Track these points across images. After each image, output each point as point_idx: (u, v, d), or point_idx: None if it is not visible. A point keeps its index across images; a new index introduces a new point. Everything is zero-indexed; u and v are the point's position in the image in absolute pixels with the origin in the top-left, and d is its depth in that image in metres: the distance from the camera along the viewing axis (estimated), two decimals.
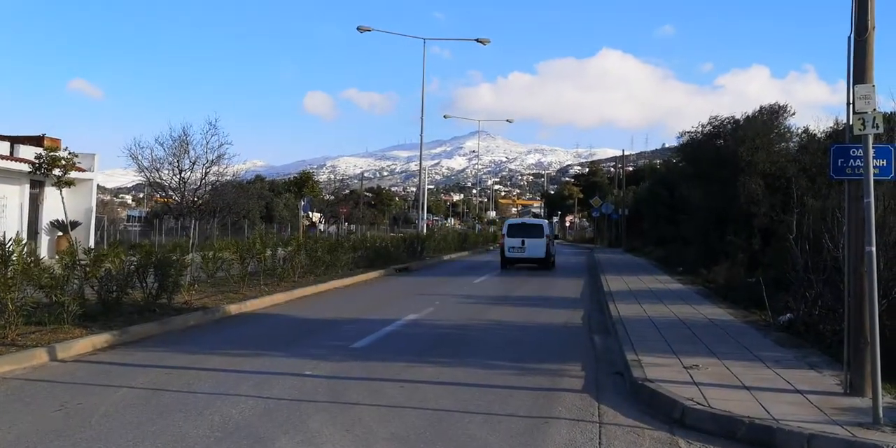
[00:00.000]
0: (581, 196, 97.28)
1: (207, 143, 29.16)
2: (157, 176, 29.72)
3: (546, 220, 35.54)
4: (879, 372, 6.17)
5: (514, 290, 19.67)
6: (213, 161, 29.57)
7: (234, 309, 13.43)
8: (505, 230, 29.03)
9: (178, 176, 28.95)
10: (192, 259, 15.28)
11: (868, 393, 6.48)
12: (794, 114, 23.49)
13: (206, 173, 29.73)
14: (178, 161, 28.87)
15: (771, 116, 23.22)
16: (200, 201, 29.17)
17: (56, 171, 21.86)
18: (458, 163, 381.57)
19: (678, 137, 28.01)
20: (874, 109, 6.43)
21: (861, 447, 5.42)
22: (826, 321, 9.82)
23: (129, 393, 7.20)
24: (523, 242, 28.05)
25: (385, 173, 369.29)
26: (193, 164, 29.03)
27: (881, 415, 5.95)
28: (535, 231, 28.48)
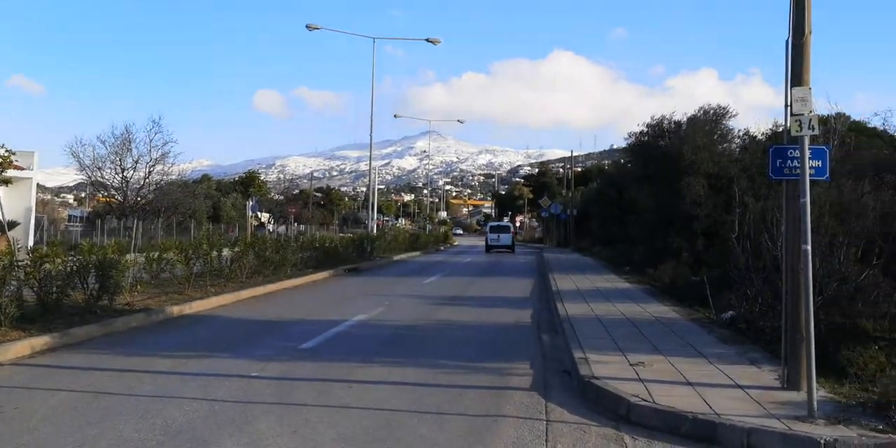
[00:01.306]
0: (531, 196, 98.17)
1: (151, 141, 28.69)
2: (100, 175, 29.08)
3: (510, 224, 57.03)
4: (814, 367, 6.36)
5: (464, 290, 19.75)
6: (157, 160, 29.07)
7: (178, 310, 13.22)
8: (487, 229, 50.68)
9: (121, 175, 28.41)
10: (136, 260, 15.00)
11: (804, 387, 6.68)
12: (735, 115, 24.06)
13: (150, 172, 29.19)
14: (120, 160, 28.33)
15: (713, 118, 23.73)
16: (144, 201, 28.64)
17: None
18: (408, 163, 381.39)
19: (625, 139, 28.48)
20: (811, 112, 6.64)
21: (796, 440, 5.60)
22: (766, 318, 10.09)
23: (69, 396, 7.04)
24: (499, 236, 47.74)
25: (335, 173, 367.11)
26: (136, 162, 28.50)
27: (815, 408, 6.15)
28: (505, 229, 49.66)
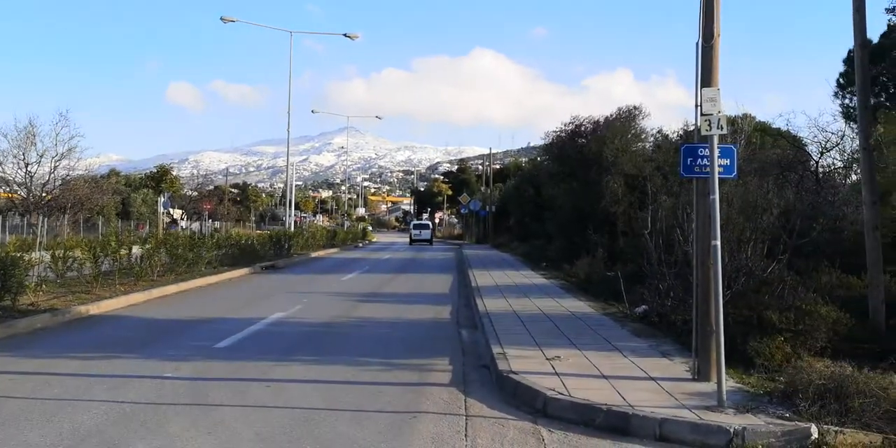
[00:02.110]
0: (450, 193, 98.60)
1: (57, 135, 27.49)
2: (0, 169, 27.67)
3: (429, 222, 68.98)
4: (723, 358, 6.60)
5: (383, 286, 19.69)
6: (63, 154, 27.89)
7: (86, 310, 12.74)
8: (411, 226, 61.38)
9: (24, 170, 27.13)
10: (40, 258, 14.37)
11: (713, 378, 6.93)
12: (648, 115, 24.74)
13: (56, 167, 27.97)
14: (23, 154, 27.05)
15: (627, 118, 24.34)
16: (49, 196, 27.44)
17: None
18: (326, 159, 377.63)
19: (542, 138, 28.92)
20: (719, 112, 6.88)
21: (706, 429, 5.80)
22: (677, 312, 10.41)
23: None
24: (420, 232, 57.56)
25: (251, 169, 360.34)
26: (41, 157, 27.27)
27: (725, 398, 6.38)
28: (425, 227, 60.04)
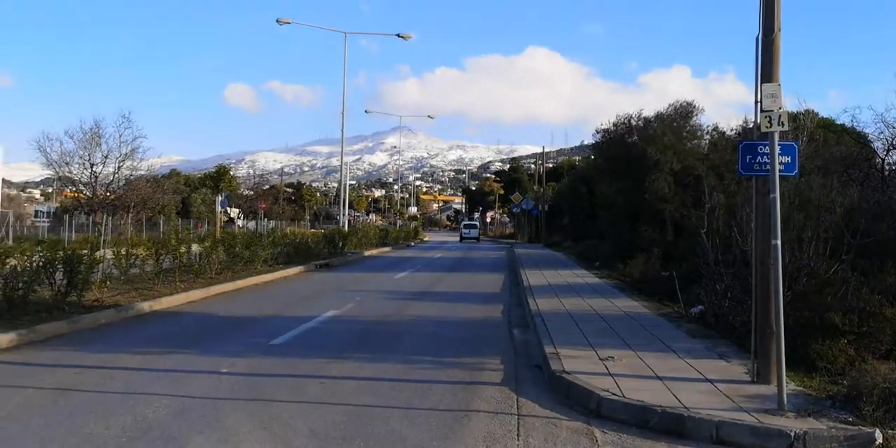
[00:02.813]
0: (502, 192, 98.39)
1: (121, 136, 28.16)
2: (67, 170, 28.52)
3: (477, 222, 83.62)
4: (784, 360, 6.43)
5: (434, 285, 19.72)
6: (126, 155, 28.58)
7: (147, 306, 13.03)
8: (462, 226, 74.34)
9: (90, 170, 27.89)
10: (104, 255, 14.76)
11: (773, 381, 6.75)
12: (702, 111, 24.27)
13: (119, 167, 28.71)
14: (89, 155, 27.80)
15: (679, 114, 23.91)
16: (113, 196, 28.17)
17: None
18: (379, 158, 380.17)
19: (594, 135, 28.63)
20: (780, 108, 6.69)
21: (766, 433, 5.64)
22: (735, 312, 10.18)
23: (35, 394, 6.89)
24: (469, 231, 67.24)
25: (306, 168, 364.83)
26: (106, 157, 27.99)
27: (785, 401, 6.21)
28: (474, 226, 70.57)
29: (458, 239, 67.85)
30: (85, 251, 12.55)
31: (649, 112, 25.09)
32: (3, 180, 30.21)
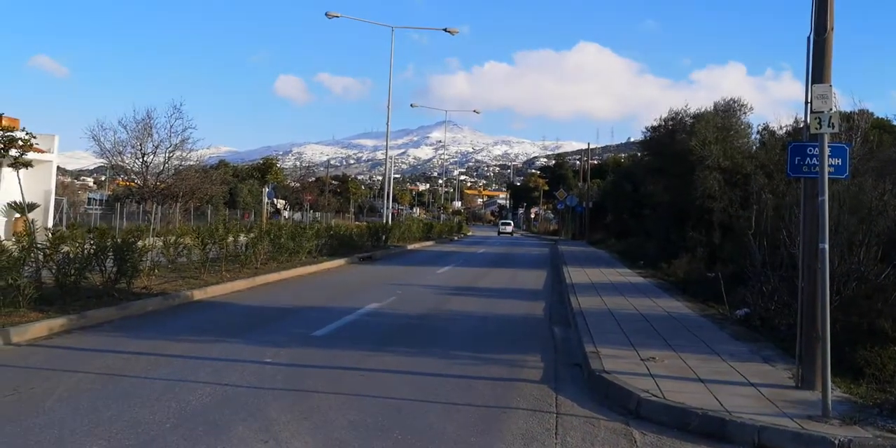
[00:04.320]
0: (546, 188, 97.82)
1: (171, 126, 28.68)
2: (120, 159, 29.15)
3: (511, 221, 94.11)
4: (829, 366, 6.30)
5: (476, 280, 19.73)
6: (176, 145, 29.10)
7: (194, 295, 13.28)
8: (500, 222, 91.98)
9: (141, 159, 28.46)
10: (153, 244, 15.08)
11: (818, 387, 6.62)
12: (751, 109, 23.80)
13: (169, 157, 29.23)
14: (140, 144, 28.38)
15: (728, 111, 23.49)
16: (163, 185, 28.72)
17: (13, 152, 21.33)
18: (424, 152, 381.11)
19: (644, 132, 28.30)
20: (831, 109, 6.55)
21: (809, 439, 5.55)
22: (781, 316, 10.02)
23: (84, 378, 7.09)
24: (505, 227, 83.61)
25: (351, 161, 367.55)
26: (156, 147, 28.53)
27: (830, 408, 6.09)
28: (508, 224, 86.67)
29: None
30: (135, 239, 12.83)
31: (699, 108, 24.69)
32: (58, 168, 31.01)
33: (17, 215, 25.30)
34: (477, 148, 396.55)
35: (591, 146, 69.75)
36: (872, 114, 19.09)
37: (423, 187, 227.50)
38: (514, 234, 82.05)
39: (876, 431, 5.70)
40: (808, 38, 7.02)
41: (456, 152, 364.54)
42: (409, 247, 36.58)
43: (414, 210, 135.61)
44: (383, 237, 32.75)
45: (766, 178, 18.24)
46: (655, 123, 26.35)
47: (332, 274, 20.24)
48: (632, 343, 9.40)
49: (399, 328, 11.06)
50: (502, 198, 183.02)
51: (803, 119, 7.09)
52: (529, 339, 10.39)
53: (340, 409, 6.28)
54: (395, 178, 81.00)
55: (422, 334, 10.56)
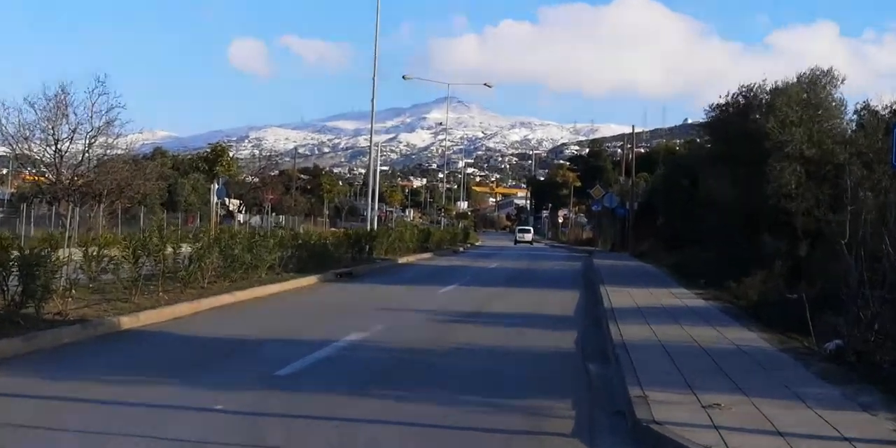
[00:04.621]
0: (578, 184, 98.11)
1: (93, 105, 28.68)
2: (26, 146, 29.12)
3: (531, 227, 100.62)
4: None
5: (488, 303, 19.74)
6: (99, 129, 29.10)
7: (122, 322, 13.29)
8: (517, 229, 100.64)
9: (54, 147, 28.46)
10: (70, 256, 15.08)
11: None
12: (843, 81, 23.80)
13: (91, 144, 29.22)
14: (53, 128, 28.37)
15: (812, 85, 23.49)
16: (82, 181, 28.73)
17: None
18: (420, 138, 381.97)
19: (706, 111, 28.33)
20: None
21: None
22: (883, 350, 10.01)
23: None
24: (524, 235, 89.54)
25: (326, 149, 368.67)
26: (74, 132, 28.51)
27: None
28: (527, 231, 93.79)
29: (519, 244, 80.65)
30: (46, 251, 12.82)
31: (777, 81, 24.70)
32: None
33: None
34: (489, 132, 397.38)
35: (637, 130, 69.92)
36: None
37: (418, 183, 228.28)
38: (536, 243, 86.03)
39: None
40: None
41: (461, 138, 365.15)
42: (401, 260, 36.65)
43: (407, 213, 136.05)
44: (367, 248, 32.82)
45: (866, 169, 18.22)
46: (721, 101, 26.43)
47: (300, 295, 20.25)
48: (689, 385, 9.39)
49: (388, 366, 11.06)
50: (521, 197, 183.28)
51: None
52: (557, 380, 10.39)
53: None
54: (382, 172, 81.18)
55: (417, 374, 10.56)
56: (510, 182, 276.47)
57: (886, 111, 21.24)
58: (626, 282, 25.68)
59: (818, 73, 23.88)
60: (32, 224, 36.92)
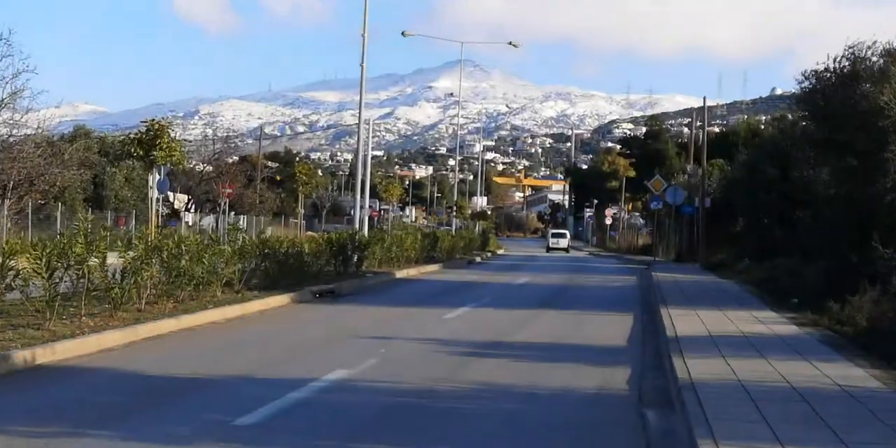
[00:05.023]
0: (632, 174, 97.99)
1: None
2: None
3: (566, 231, 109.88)
4: None
5: (512, 331, 19.73)
6: (2, 102, 29.25)
7: (35, 356, 13.30)
8: (549, 235, 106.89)
9: None
10: None
11: None
12: None
13: None
14: None
15: None
16: None
17: None
18: (425, 113, 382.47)
19: (799, 81, 28.25)
20: None
21: None
22: None
23: None
24: (558, 241, 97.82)
25: (301, 128, 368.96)
26: None
27: None
28: (563, 236, 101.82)
29: (552, 254, 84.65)
30: None
31: (892, 41, 24.63)
32: None
33: None
34: (514, 106, 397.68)
35: (709, 103, 69.83)
36: None
37: (422, 173, 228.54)
38: (580, 253, 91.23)
39: None
40: None
41: (479, 113, 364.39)
42: (400, 274, 36.65)
43: (407, 212, 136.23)
44: (355, 258, 32.83)
45: None
46: (820, 66, 26.35)
47: (268, 320, 20.28)
48: (779, 438, 9.40)
49: (382, 413, 11.08)
50: (556, 190, 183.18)
51: None
52: (604, 432, 10.42)
53: None
54: (375, 158, 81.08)
55: (420, 423, 10.56)
56: (543, 171, 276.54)
57: None
58: (696, 302, 25.66)
59: None
60: None
